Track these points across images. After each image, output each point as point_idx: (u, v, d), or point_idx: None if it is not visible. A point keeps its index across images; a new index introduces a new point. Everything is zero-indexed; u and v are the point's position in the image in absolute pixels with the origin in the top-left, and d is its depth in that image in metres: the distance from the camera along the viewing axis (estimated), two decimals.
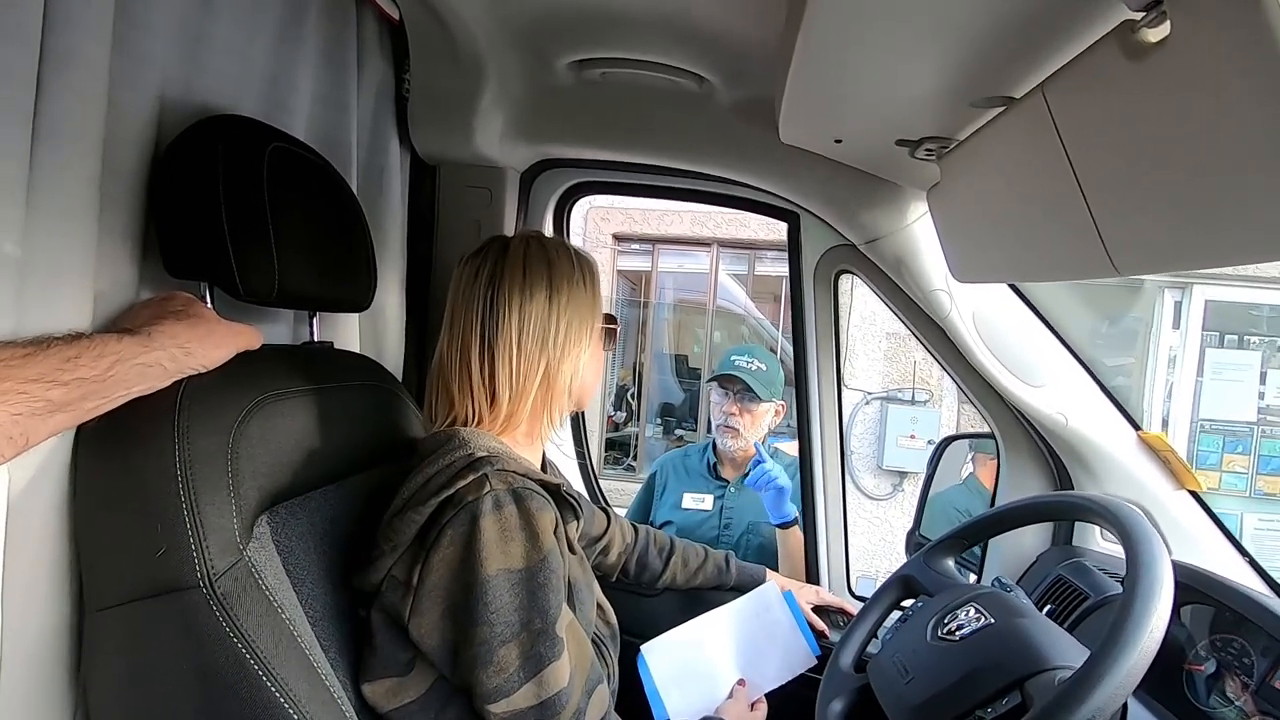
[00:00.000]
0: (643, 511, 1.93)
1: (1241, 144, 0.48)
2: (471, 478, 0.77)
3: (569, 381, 0.90)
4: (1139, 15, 0.53)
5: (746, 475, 1.80)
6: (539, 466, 0.96)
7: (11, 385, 0.52)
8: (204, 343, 0.70)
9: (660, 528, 1.77)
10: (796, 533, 1.55)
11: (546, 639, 0.77)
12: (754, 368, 1.78)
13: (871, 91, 0.83)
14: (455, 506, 0.76)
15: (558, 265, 0.90)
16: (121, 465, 0.67)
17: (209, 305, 0.79)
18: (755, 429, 1.80)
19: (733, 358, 1.81)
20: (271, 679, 0.66)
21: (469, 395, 0.87)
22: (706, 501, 1.82)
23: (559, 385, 0.89)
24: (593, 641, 0.90)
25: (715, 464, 1.86)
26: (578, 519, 0.88)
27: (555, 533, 0.80)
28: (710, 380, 1.86)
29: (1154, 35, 0.53)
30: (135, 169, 0.76)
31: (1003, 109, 0.79)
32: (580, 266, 0.92)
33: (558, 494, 0.84)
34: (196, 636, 0.65)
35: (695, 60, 1.08)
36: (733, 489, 1.82)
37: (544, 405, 0.90)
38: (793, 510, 1.58)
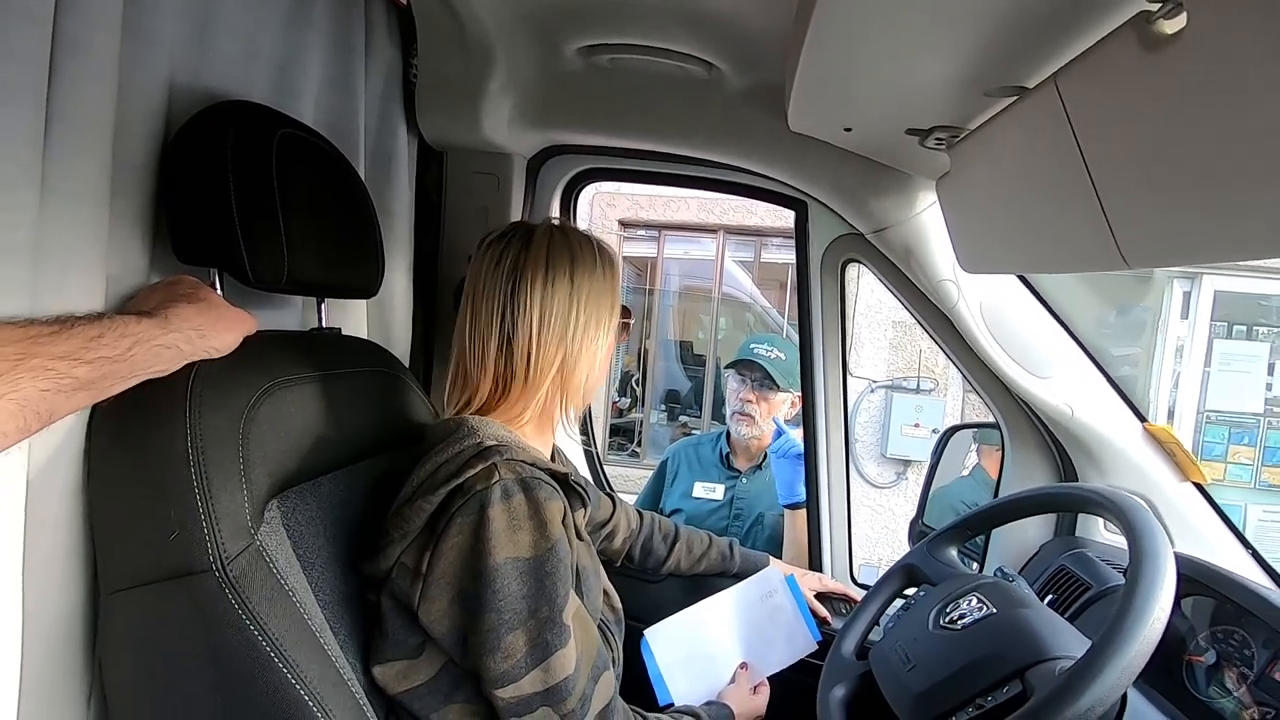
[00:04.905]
0: (653, 499, 1.92)
1: (1257, 138, 0.48)
2: (480, 466, 0.78)
3: (585, 375, 0.90)
4: (1155, 6, 0.53)
5: (760, 466, 1.80)
6: (548, 456, 0.97)
7: (40, 361, 0.52)
8: (216, 326, 0.71)
9: (669, 516, 1.77)
10: (804, 515, 1.54)
11: (553, 626, 0.77)
12: (773, 356, 1.76)
13: (882, 80, 0.83)
14: (464, 495, 0.77)
15: (581, 258, 0.89)
16: (135, 450, 0.68)
17: (218, 291, 0.79)
18: (770, 418, 1.77)
19: (752, 345, 1.79)
20: (283, 661, 0.67)
21: (482, 382, 0.87)
22: (718, 491, 1.81)
23: (575, 378, 0.89)
24: (598, 627, 0.91)
25: (728, 454, 1.85)
26: (585, 507, 0.89)
27: (563, 521, 0.81)
28: (728, 366, 1.84)
29: (1170, 27, 0.53)
30: (145, 154, 0.76)
31: (1015, 99, 0.79)
32: (602, 260, 0.91)
33: (566, 482, 0.84)
34: (209, 619, 0.66)
35: (704, 47, 1.07)
36: (745, 479, 1.81)
37: (556, 397, 0.90)
38: (804, 492, 1.57)
